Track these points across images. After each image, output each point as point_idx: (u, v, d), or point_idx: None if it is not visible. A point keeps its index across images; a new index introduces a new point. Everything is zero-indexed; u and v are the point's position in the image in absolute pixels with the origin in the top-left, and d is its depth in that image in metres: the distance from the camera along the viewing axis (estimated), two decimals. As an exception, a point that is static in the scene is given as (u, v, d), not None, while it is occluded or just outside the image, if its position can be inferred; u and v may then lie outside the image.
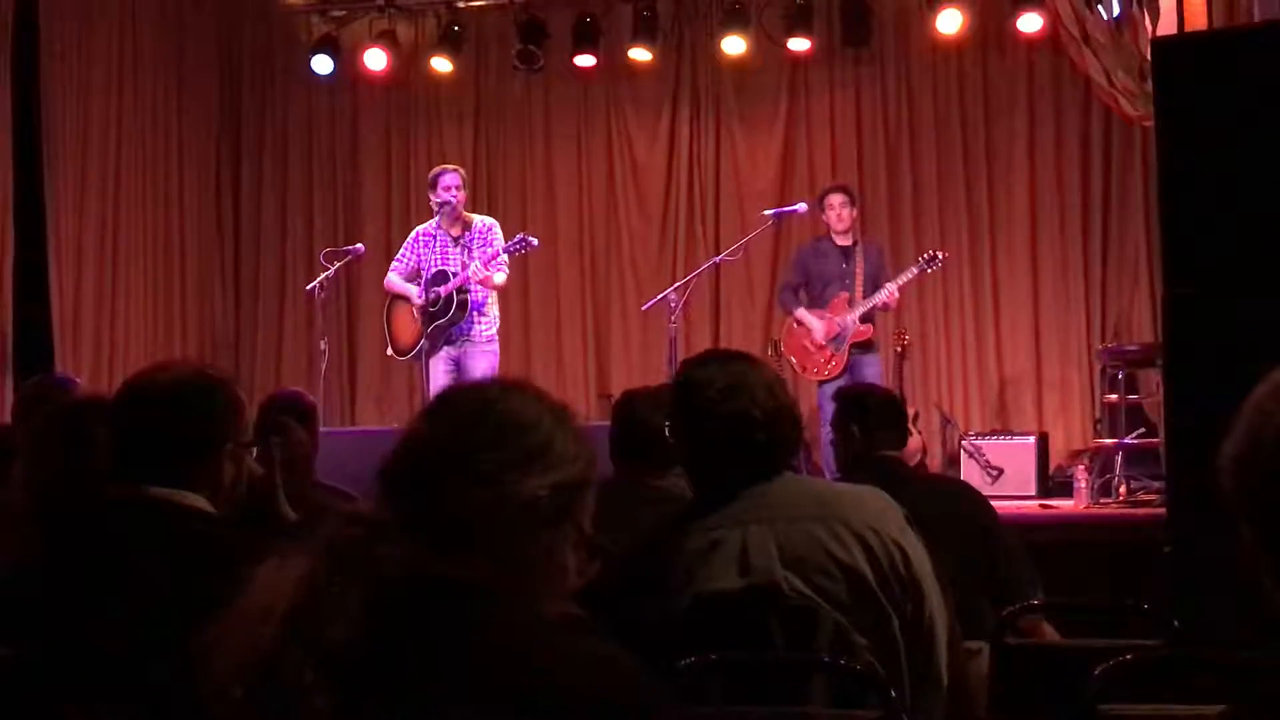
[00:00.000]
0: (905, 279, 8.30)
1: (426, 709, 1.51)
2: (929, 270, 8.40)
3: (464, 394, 1.75)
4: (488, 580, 1.60)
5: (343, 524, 1.59)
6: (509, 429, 1.66)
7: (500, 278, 7.89)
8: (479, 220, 8.08)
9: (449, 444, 1.64)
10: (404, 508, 1.60)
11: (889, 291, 8.19)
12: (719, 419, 2.75)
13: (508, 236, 7.97)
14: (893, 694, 2.53)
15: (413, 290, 7.98)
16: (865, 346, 8.24)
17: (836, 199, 8.37)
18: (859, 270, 8.28)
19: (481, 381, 1.83)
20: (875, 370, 8.22)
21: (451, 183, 7.97)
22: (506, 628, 1.56)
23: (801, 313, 8.30)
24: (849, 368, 8.13)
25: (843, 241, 8.37)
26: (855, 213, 8.46)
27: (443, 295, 7.85)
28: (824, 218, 8.45)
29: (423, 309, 7.88)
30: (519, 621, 1.59)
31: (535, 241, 8.03)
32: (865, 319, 8.21)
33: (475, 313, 7.88)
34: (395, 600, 1.53)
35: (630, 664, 1.60)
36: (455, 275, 7.84)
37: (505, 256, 7.88)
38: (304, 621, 1.50)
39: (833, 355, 8.14)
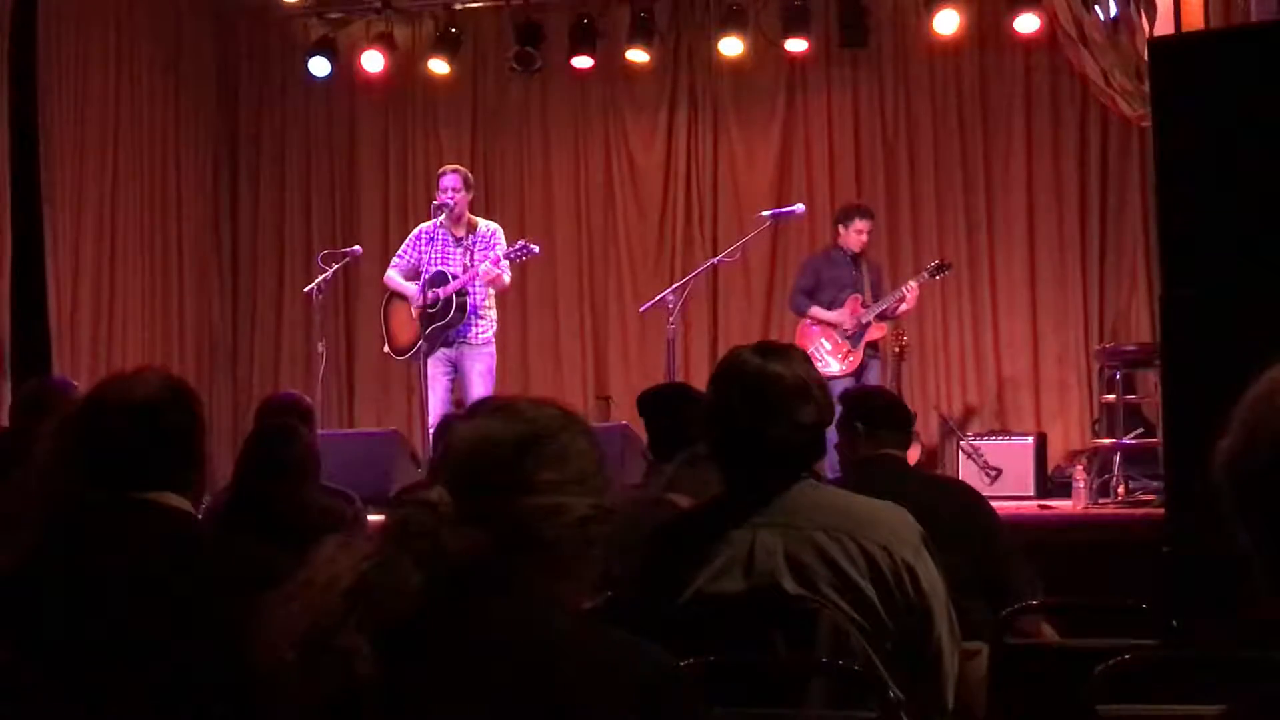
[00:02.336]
0: (916, 283, 8.43)
1: (468, 689, 1.60)
2: (937, 278, 8.49)
3: (535, 408, 1.86)
4: (534, 579, 1.72)
5: (409, 507, 1.70)
6: (570, 450, 1.81)
7: (506, 278, 7.92)
8: (484, 224, 8.08)
9: (517, 450, 1.78)
10: (468, 501, 1.71)
11: (910, 287, 8.33)
12: (740, 425, 2.75)
13: (509, 241, 7.99)
14: (890, 695, 2.53)
15: (411, 289, 7.97)
16: (874, 348, 8.38)
17: (866, 224, 8.50)
18: (866, 278, 8.45)
19: (544, 402, 1.93)
20: (876, 376, 8.35)
21: (448, 184, 7.96)
22: (547, 622, 1.69)
23: (817, 310, 8.41)
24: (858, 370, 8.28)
25: (859, 250, 8.51)
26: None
27: (441, 297, 7.84)
28: (843, 236, 8.51)
29: (421, 310, 7.88)
30: (559, 619, 1.72)
31: (536, 249, 8.03)
32: (878, 320, 8.36)
33: (473, 315, 7.88)
34: (454, 585, 1.64)
35: (664, 655, 1.74)
36: (455, 277, 7.84)
37: (506, 262, 7.88)
38: (365, 594, 1.60)
39: (849, 352, 8.22)
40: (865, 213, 8.60)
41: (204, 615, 1.66)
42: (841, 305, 8.38)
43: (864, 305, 8.34)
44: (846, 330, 8.31)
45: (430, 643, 1.60)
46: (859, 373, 8.24)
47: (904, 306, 8.40)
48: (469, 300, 7.85)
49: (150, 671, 2.19)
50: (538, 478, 1.76)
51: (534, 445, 1.78)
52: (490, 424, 1.80)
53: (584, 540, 1.78)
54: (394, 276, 8.15)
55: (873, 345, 8.37)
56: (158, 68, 9.94)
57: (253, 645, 1.61)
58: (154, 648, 2.21)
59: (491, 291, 7.98)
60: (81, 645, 2.24)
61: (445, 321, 7.83)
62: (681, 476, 3.96)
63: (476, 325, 7.92)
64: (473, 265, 7.84)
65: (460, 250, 7.95)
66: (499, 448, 1.77)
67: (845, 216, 8.57)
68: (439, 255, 7.97)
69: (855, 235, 8.45)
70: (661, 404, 4.48)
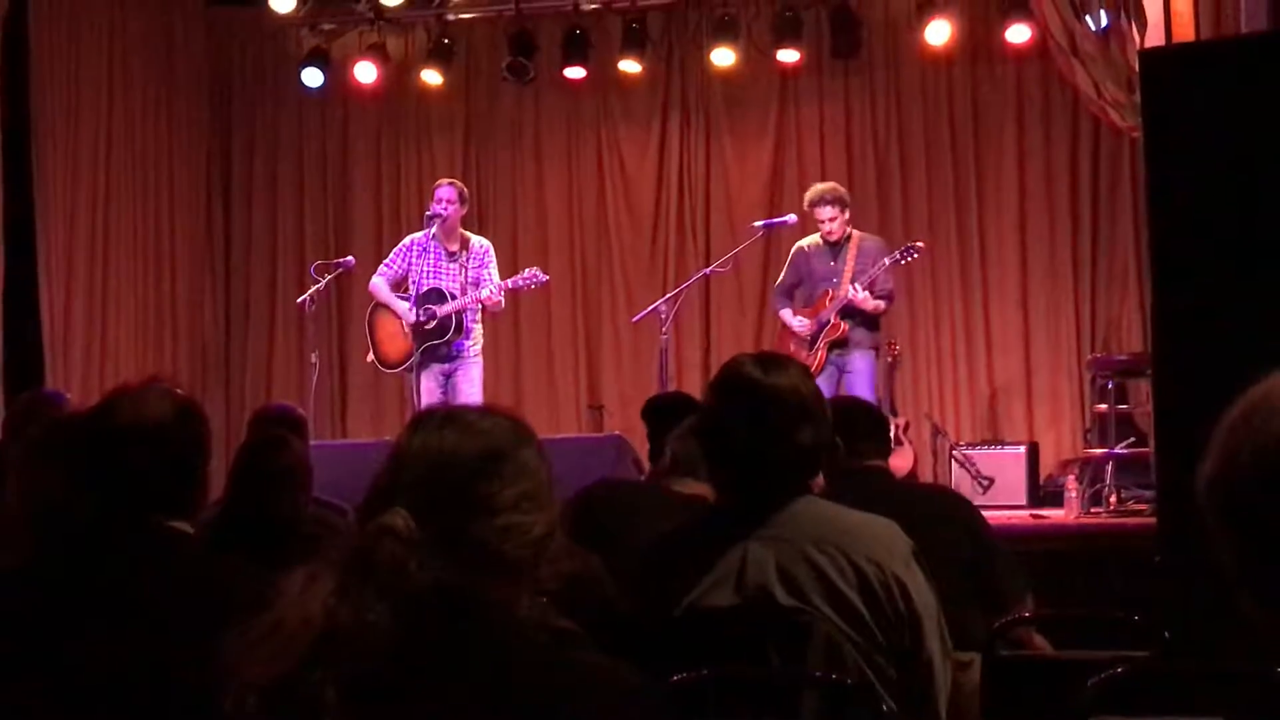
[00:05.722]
0: (877, 271, 8.00)
1: None
2: (904, 261, 8.13)
3: (486, 419, 1.79)
4: (497, 601, 1.67)
5: (374, 536, 1.63)
6: (526, 466, 1.75)
7: (502, 302, 8.10)
8: (476, 240, 8.14)
9: (477, 469, 1.71)
10: (431, 525, 1.65)
11: (853, 291, 7.91)
12: (740, 441, 2.74)
13: (500, 253, 8.06)
14: (883, 707, 2.53)
15: (403, 306, 8.00)
16: (842, 345, 8.01)
17: (824, 212, 8.09)
18: (847, 266, 8.05)
19: (493, 413, 1.85)
20: (861, 371, 7.97)
21: (444, 195, 8.01)
22: (524, 644, 1.65)
23: (784, 314, 8.24)
24: (833, 369, 7.94)
25: (833, 239, 8.14)
26: (847, 216, 8.19)
27: (439, 315, 7.88)
28: (818, 229, 8.23)
29: (416, 326, 7.89)
30: (535, 641, 1.68)
31: (545, 277, 8.08)
32: (846, 315, 7.98)
33: (466, 331, 7.99)
34: (425, 619, 1.59)
35: (634, 676, 1.70)
36: (453, 296, 7.89)
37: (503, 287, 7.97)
38: (334, 640, 1.54)
39: (808, 356, 7.89)
40: (821, 200, 8.13)
41: (198, 642, 1.64)
42: (815, 301, 8.11)
43: (831, 300, 8.00)
44: (804, 336, 8.03)
45: (399, 681, 1.56)
46: (823, 372, 7.80)
47: (854, 305, 7.94)
48: (465, 317, 7.94)
49: (141, 699, 2.18)
50: (499, 497, 1.70)
51: (493, 463, 1.72)
52: (443, 440, 1.73)
53: (542, 557, 1.74)
54: (381, 286, 8.18)
55: (840, 342, 8.00)
56: (151, 78, 9.94)
57: (220, 685, 1.58)
58: (146, 675, 2.19)
59: (480, 305, 8.06)
60: (68, 669, 2.22)
61: (444, 339, 7.90)
62: (680, 453, 3.93)
63: (469, 339, 8.01)
64: (470, 284, 7.93)
65: (455, 266, 7.99)
66: (457, 467, 1.71)
67: (810, 208, 8.20)
68: (431, 269, 7.99)
69: (824, 227, 8.10)
70: (666, 413, 4.48)
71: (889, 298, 8.17)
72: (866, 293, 7.95)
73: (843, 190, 8.35)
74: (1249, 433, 1.26)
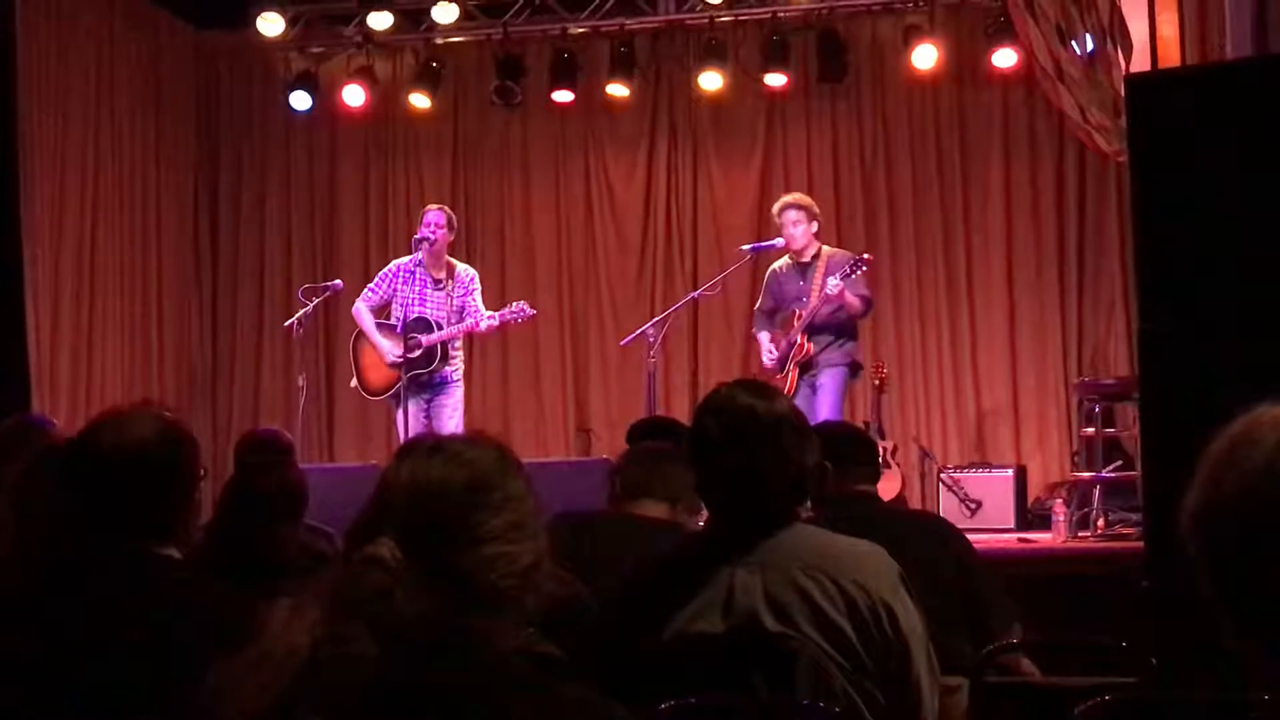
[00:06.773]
0: (834, 288, 7.75)
1: None
2: (853, 275, 7.83)
3: (472, 449, 1.78)
4: (483, 632, 1.67)
5: (360, 567, 1.62)
6: (513, 495, 1.74)
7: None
8: (461, 268, 8.17)
9: (463, 499, 1.71)
10: (417, 555, 1.64)
11: (823, 293, 7.72)
12: (736, 467, 2.74)
13: (488, 276, 8.07)
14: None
15: (385, 345, 8.00)
16: (810, 366, 7.89)
17: (789, 216, 7.99)
18: (815, 286, 7.90)
19: (481, 441, 1.84)
20: (825, 385, 7.81)
21: (433, 220, 8.03)
22: (506, 678, 1.65)
23: (760, 337, 8.16)
24: (805, 389, 7.82)
25: (802, 258, 8.05)
26: (815, 228, 8.08)
27: (425, 345, 7.89)
28: (782, 235, 8.10)
29: (401, 357, 7.88)
30: (519, 673, 1.67)
31: (532, 311, 8.13)
32: (813, 336, 7.86)
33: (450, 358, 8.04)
34: (410, 651, 1.58)
35: (616, 708, 1.71)
36: (439, 324, 7.91)
37: (496, 319, 7.99)
38: (319, 672, 1.53)
39: (780, 377, 7.83)
40: (789, 205, 8.03)
41: (185, 669, 1.63)
42: (786, 323, 8.02)
43: (798, 320, 7.90)
44: (773, 361, 7.95)
45: (384, 714, 1.56)
46: (795, 395, 7.60)
47: (831, 301, 7.78)
48: (449, 346, 8.01)
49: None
50: (486, 527, 1.69)
51: (479, 493, 1.71)
52: (429, 469, 1.72)
53: (529, 588, 1.73)
54: (363, 313, 8.20)
55: (808, 366, 7.86)
56: (138, 102, 9.94)
57: (206, 716, 1.57)
58: (132, 702, 2.18)
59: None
60: (56, 697, 2.21)
61: (430, 368, 7.92)
62: (634, 476, 3.87)
63: (450, 364, 8.06)
64: (455, 312, 7.98)
65: (441, 295, 8.01)
66: (444, 497, 1.70)
67: (776, 214, 8.10)
68: (416, 296, 7.99)
69: (788, 232, 7.97)
70: (650, 438, 4.46)
71: (864, 302, 7.97)
72: (839, 284, 7.71)
73: (809, 200, 8.25)
74: (1231, 466, 1.27)
